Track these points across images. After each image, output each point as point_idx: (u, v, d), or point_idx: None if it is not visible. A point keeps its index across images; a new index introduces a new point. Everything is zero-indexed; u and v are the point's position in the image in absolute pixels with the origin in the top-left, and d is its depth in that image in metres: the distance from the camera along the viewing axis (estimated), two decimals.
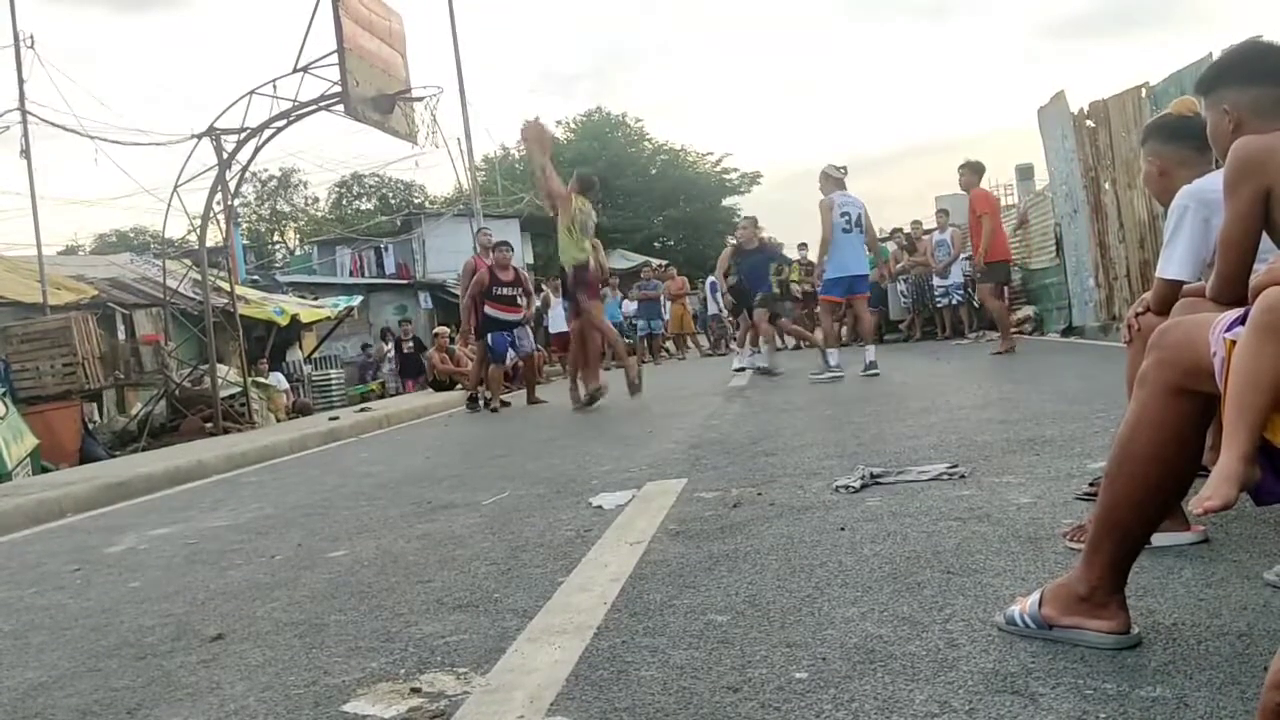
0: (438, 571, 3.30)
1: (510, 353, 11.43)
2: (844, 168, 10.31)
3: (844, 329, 15.10)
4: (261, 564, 3.82)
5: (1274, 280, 1.65)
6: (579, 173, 10.58)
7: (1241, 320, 1.67)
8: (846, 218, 9.99)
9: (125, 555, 4.47)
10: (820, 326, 11.21)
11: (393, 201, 43.63)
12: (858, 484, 3.89)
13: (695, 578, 2.82)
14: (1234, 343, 1.65)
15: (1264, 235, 2.13)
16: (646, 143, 45.57)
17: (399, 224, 31.54)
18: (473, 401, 11.77)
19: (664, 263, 26.26)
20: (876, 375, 9.46)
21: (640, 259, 30.10)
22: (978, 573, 2.55)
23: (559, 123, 45.25)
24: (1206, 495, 1.63)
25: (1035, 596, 2.04)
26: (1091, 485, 3.20)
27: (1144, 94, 10.57)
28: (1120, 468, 1.89)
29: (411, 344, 18.67)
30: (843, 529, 3.21)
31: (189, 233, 12.44)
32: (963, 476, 3.86)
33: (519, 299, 11.37)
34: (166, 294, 13.08)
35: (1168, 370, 1.80)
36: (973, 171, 11.24)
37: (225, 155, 11.80)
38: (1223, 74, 2.44)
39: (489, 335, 11.19)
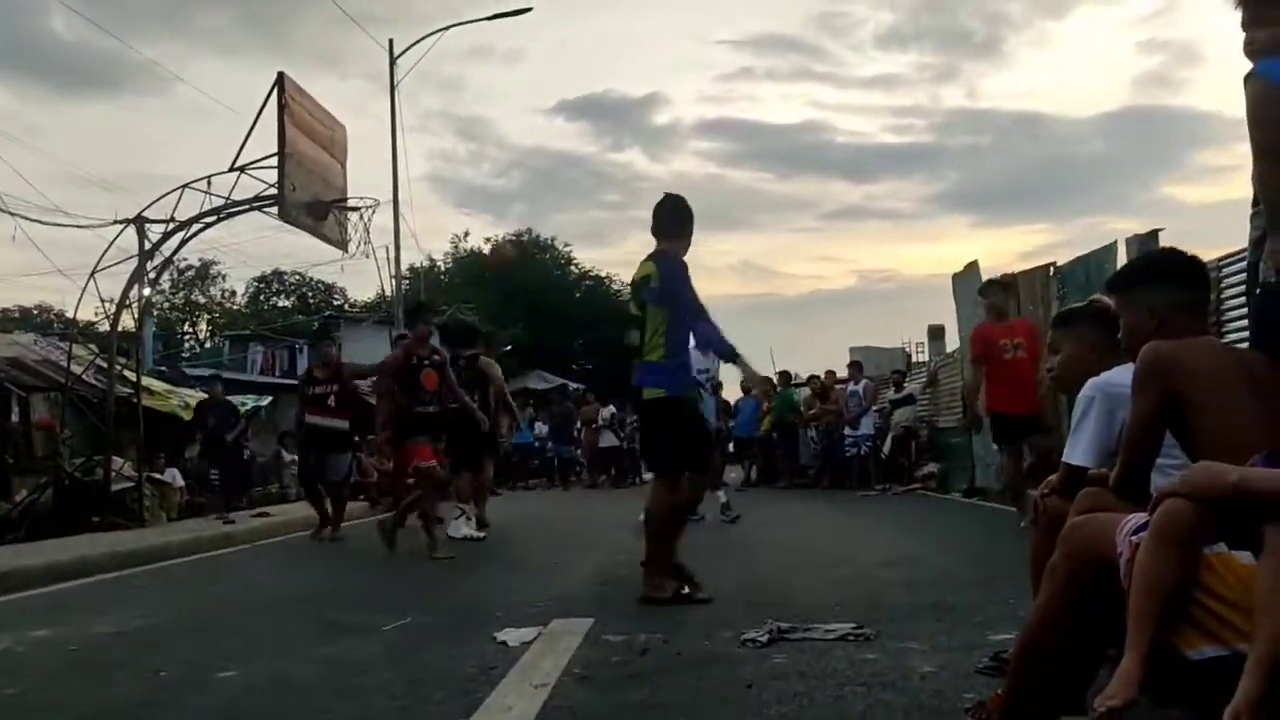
0: (334, 702, 3.19)
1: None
2: None
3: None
4: (147, 680, 3.64)
5: (1175, 491, 1.75)
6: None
7: (1147, 525, 1.77)
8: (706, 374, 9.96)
9: (2, 658, 4.23)
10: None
11: (312, 301, 43.26)
12: (764, 638, 3.90)
13: None
14: (1139, 546, 1.74)
15: (1168, 433, 2.27)
16: (573, 267, 46.21)
17: (317, 325, 31.22)
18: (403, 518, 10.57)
19: (582, 387, 26.36)
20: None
21: (558, 380, 30.18)
22: None
23: (487, 240, 45.72)
24: (1110, 694, 1.69)
25: None
26: (992, 659, 3.25)
27: (1051, 272, 11.13)
28: (1026, 659, 1.95)
29: None
30: (749, 686, 3.21)
31: (99, 318, 12.13)
32: (868, 638, 3.89)
33: (330, 400, 9.58)
34: (69, 379, 12.66)
35: (1075, 566, 1.88)
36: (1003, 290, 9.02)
37: (149, 245, 11.64)
38: (1142, 274, 2.62)
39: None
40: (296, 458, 10.22)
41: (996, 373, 8.06)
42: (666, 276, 5.14)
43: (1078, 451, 2.98)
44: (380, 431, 8.14)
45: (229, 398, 17.66)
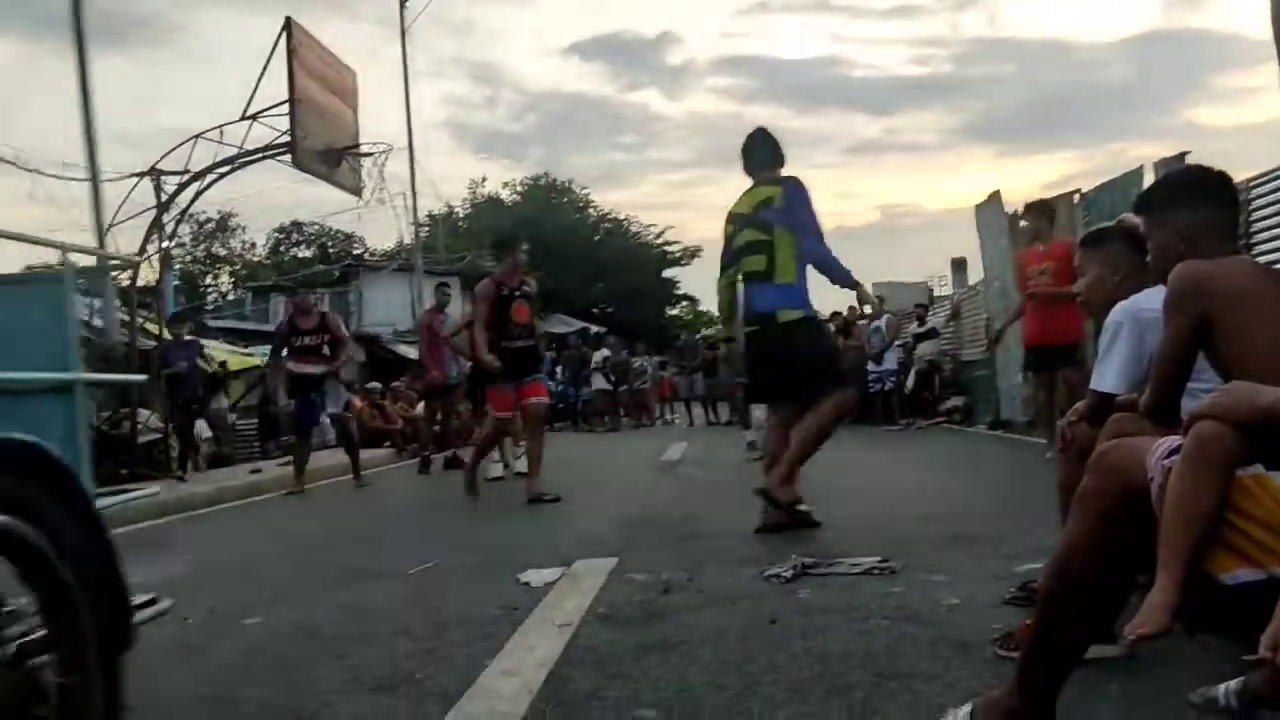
0: (356, 646, 3.20)
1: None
2: None
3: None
4: (172, 628, 3.66)
5: (1209, 413, 1.68)
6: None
7: (1179, 449, 1.70)
8: None
9: None
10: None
11: (332, 251, 43.24)
12: (789, 574, 3.88)
13: (624, 667, 2.76)
14: (1171, 470, 1.68)
15: (1200, 356, 2.19)
16: (592, 210, 45.96)
17: (337, 274, 31.25)
18: (425, 464, 10.89)
19: (603, 329, 26.34)
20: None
21: (579, 324, 30.16)
22: (908, 677, 2.54)
23: (505, 185, 45.49)
24: (1140, 622, 1.64)
25: (967, 709, 2.03)
26: (1018, 589, 3.22)
27: (1076, 199, 10.92)
28: (1056, 589, 1.90)
29: None
30: (774, 622, 3.19)
31: (121, 273, 12.14)
32: (893, 571, 3.87)
33: (323, 349, 9.45)
34: (92, 333, 12.73)
35: (1105, 495, 1.82)
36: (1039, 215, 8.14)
37: (165, 197, 11.62)
38: (1169, 195, 2.52)
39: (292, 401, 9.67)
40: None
41: (1029, 301, 7.85)
42: (794, 198, 5.19)
43: (1107, 378, 2.91)
44: (482, 363, 7.54)
45: (251, 348, 17.62)
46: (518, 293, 7.51)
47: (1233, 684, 2.17)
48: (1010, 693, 1.96)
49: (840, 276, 5.34)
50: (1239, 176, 7.34)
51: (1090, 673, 2.43)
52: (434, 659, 2.98)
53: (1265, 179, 7.34)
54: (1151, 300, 2.50)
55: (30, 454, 1.68)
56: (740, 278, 5.34)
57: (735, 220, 5.40)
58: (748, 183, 5.42)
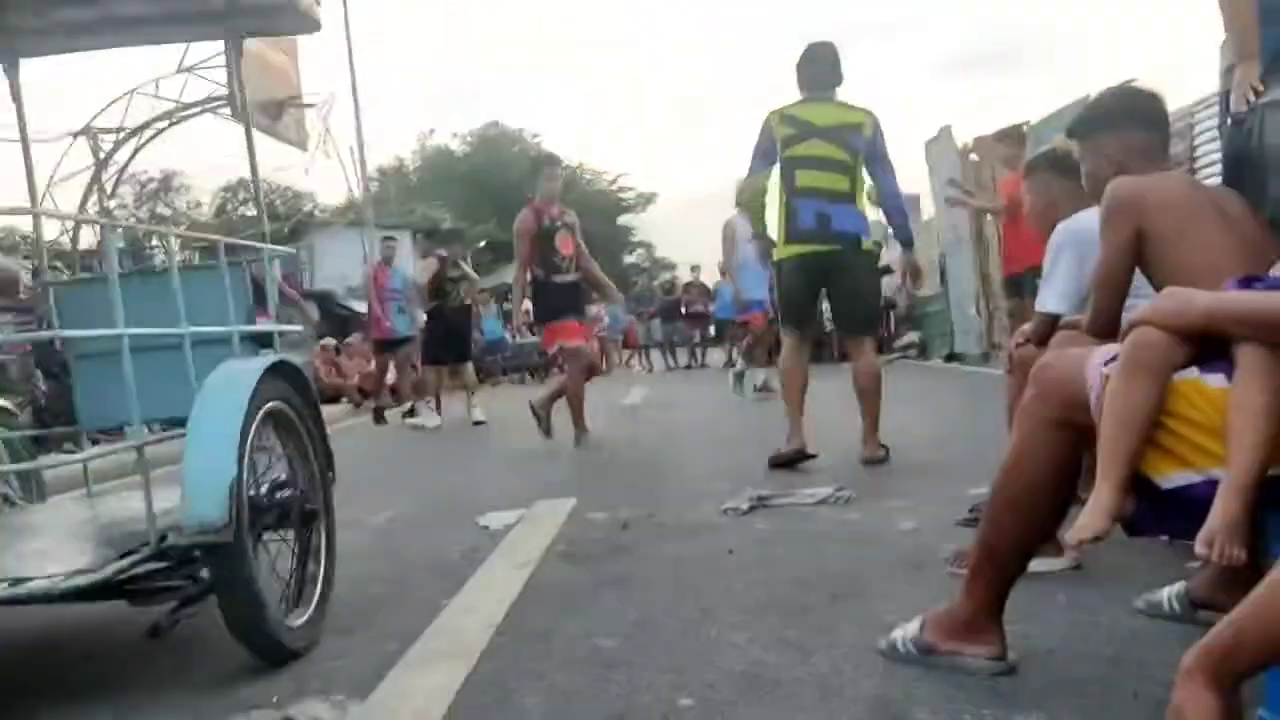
0: None
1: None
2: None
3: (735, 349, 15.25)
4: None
5: (1144, 320, 1.71)
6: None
7: (1116, 356, 1.73)
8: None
9: None
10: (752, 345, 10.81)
11: (281, 209, 42.53)
12: (745, 506, 3.92)
13: (583, 601, 2.78)
14: (1109, 377, 1.71)
15: (1138, 272, 2.23)
16: None
17: (287, 232, 30.73)
18: (379, 416, 10.67)
19: None
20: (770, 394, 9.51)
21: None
22: (863, 598, 2.58)
23: (454, 135, 44.82)
24: (1082, 525, 1.68)
25: (917, 622, 2.07)
26: (972, 511, 3.27)
27: (1024, 130, 10.97)
28: (1001, 497, 1.94)
29: None
30: (731, 552, 3.22)
31: (61, 234, 11.86)
32: (849, 500, 3.92)
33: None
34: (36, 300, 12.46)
35: (1047, 404, 1.85)
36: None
37: (102, 155, 11.34)
38: (1099, 119, 2.55)
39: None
40: None
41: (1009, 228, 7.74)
42: (881, 135, 5.06)
43: (1050, 298, 2.95)
44: (516, 306, 7.26)
45: None
46: (559, 224, 6.76)
47: (1175, 587, 2.24)
48: (960, 603, 2.00)
49: (904, 227, 5.31)
50: (1187, 100, 7.41)
51: (1039, 584, 2.49)
52: (395, 602, 2.98)
53: (1208, 103, 7.40)
54: (1090, 220, 2.52)
55: (286, 367, 2.73)
56: (797, 188, 4.95)
57: (800, 126, 5.00)
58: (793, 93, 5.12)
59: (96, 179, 11.56)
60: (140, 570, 2.29)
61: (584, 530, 3.81)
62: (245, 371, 2.53)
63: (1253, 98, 2.47)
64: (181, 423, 2.39)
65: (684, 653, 2.25)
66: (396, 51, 69.82)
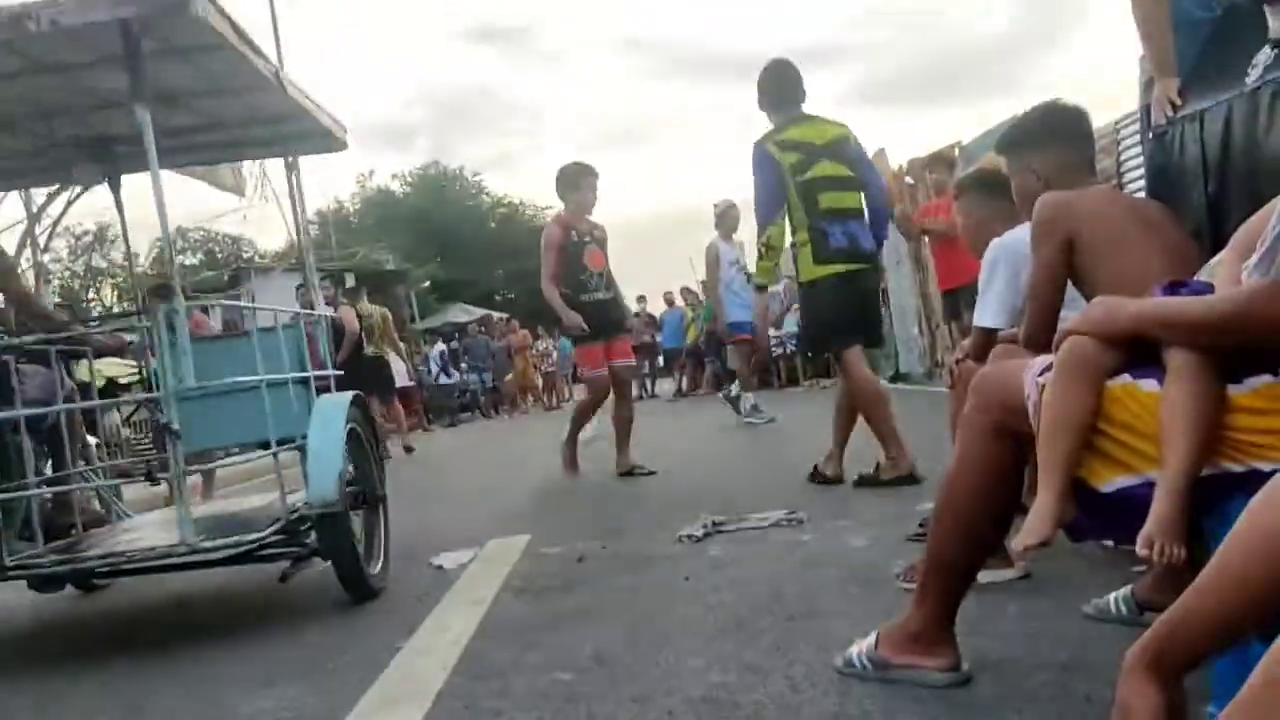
0: (268, 637, 3.14)
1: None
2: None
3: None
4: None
5: (1075, 329, 1.75)
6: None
7: (1052, 366, 1.76)
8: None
9: None
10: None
11: (220, 256, 42.00)
12: (700, 533, 3.92)
13: (540, 636, 2.76)
14: (1045, 386, 1.74)
15: (1070, 284, 2.28)
16: (485, 196, 45.46)
17: (227, 278, 30.34)
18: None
19: (505, 316, 26.11)
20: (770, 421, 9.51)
21: (481, 311, 29.85)
22: (818, 617, 2.60)
23: (394, 176, 44.69)
24: (1027, 532, 1.70)
25: (872, 638, 2.08)
26: (921, 526, 3.30)
27: (957, 152, 11.18)
28: (946, 508, 1.96)
29: None
30: (687, 579, 3.22)
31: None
32: (801, 522, 3.94)
33: None
34: None
35: (987, 413, 1.88)
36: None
37: (35, 209, 11.13)
38: (1025, 136, 2.62)
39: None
40: None
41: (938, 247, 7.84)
42: (859, 143, 5.11)
43: (986, 314, 3.01)
44: (565, 315, 6.31)
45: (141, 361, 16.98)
46: (588, 238, 6.41)
47: (1122, 591, 2.28)
48: (911, 617, 2.02)
49: (884, 234, 5.33)
50: (1109, 118, 7.61)
51: (991, 595, 2.53)
52: (350, 646, 2.93)
53: (1132, 118, 7.59)
54: (1023, 234, 2.58)
55: (358, 399, 3.81)
56: (822, 210, 4.87)
57: (804, 149, 4.93)
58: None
59: (30, 233, 11.32)
60: (272, 539, 3.26)
61: (539, 566, 3.79)
62: (340, 402, 3.68)
63: (1171, 112, 2.56)
64: (263, 444, 3.52)
65: (643, 681, 2.25)
66: (329, 91, 69.58)
